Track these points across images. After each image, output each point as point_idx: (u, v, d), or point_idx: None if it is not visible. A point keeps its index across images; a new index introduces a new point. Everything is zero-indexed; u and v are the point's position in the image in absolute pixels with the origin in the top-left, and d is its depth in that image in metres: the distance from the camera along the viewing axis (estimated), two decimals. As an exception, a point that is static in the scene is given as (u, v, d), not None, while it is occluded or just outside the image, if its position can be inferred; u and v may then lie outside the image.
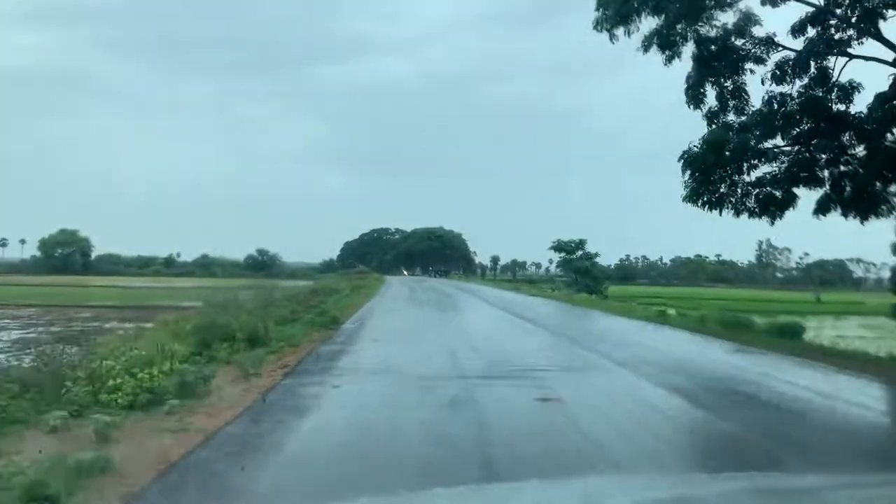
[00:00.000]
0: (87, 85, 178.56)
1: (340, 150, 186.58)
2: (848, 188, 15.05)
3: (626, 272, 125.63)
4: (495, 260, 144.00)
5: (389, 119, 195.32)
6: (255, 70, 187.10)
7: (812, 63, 14.98)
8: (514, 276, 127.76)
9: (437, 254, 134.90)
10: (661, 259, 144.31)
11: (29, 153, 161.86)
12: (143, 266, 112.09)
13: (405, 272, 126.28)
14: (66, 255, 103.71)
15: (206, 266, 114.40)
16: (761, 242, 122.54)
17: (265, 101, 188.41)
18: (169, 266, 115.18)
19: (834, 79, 14.97)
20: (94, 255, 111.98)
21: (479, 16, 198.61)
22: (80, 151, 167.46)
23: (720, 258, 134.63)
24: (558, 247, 58.97)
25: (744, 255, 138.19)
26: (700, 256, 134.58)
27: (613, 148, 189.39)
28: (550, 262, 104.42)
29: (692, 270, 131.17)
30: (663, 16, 15.20)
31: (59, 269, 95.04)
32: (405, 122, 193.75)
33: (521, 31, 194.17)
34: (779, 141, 15.51)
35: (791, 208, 15.45)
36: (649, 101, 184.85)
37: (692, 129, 16.00)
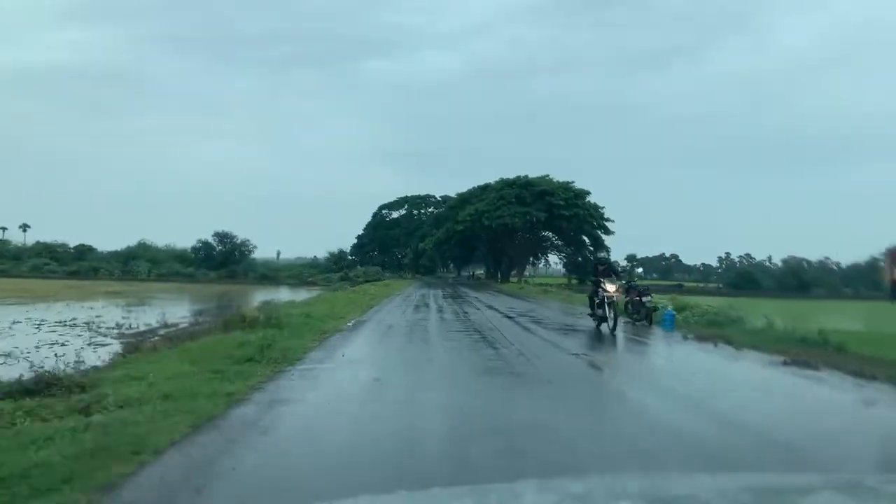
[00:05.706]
0: (132, 81, 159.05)
1: (386, 145, 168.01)
2: None
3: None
4: (631, 259, 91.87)
5: (438, 113, 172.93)
6: (302, 64, 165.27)
7: None
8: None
9: (535, 231, 71.95)
10: (769, 258, 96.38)
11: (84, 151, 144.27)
12: (34, 256, 71.38)
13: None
14: None
15: (125, 259, 71.03)
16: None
17: (310, 95, 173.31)
18: (81, 258, 73.22)
19: None
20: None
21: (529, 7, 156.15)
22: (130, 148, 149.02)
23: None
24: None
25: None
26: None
27: (686, 139, 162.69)
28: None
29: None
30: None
31: None
32: (455, 116, 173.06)
33: (574, 22, 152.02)
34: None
35: None
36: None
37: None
